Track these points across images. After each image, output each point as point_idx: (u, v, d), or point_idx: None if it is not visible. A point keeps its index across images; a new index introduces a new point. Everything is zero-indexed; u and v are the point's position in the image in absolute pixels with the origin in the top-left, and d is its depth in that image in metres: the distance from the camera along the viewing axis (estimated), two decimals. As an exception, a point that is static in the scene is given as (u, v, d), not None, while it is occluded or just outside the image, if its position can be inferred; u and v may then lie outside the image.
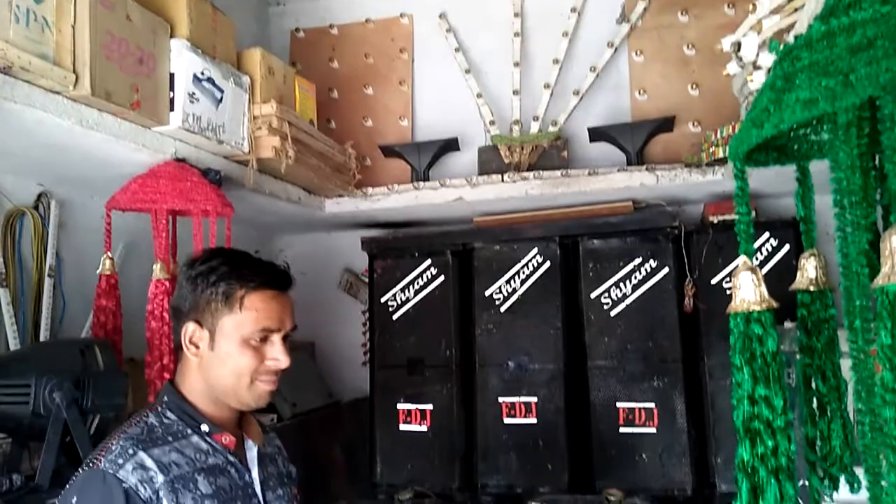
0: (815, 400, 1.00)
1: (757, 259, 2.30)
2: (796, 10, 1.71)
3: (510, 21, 3.13)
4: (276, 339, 1.35)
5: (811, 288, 1.01)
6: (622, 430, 2.63)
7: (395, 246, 3.02)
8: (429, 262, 2.93)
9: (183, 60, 2.01)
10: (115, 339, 2.02)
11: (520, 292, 2.81)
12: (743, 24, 1.98)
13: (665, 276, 2.67)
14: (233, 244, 2.16)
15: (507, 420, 2.75)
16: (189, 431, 1.31)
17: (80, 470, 1.25)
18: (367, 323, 3.09)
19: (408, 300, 2.94)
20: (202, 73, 2.07)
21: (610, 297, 2.72)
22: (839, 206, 0.81)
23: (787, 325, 1.87)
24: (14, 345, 2.02)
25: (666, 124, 2.84)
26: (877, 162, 1.01)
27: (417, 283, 2.94)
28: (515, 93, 3.07)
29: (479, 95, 3.09)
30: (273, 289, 1.36)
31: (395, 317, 2.95)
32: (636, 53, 3.01)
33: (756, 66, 1.91)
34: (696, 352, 2.66)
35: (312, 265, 3.44)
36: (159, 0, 2.01)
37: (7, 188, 2.13)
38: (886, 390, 0.68)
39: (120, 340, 2.04)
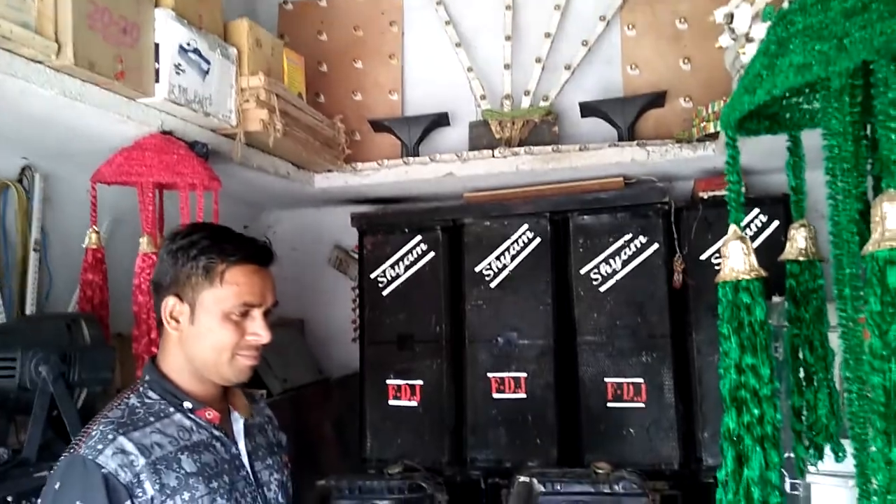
0: (801, 370, 1.01)
1: (746, 234, 2.29)
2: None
3: (501, -6, 3.09)
4: (257, 314, 1.34)
5: (800, 258, 1.01)
6: (610, 405, 2.65)
7: (384, 222, 3.01)
8: (419, 237, 2.91)
9: (168, 30, 1.97)
10: (102, 314, 2.01)
11: (510, 268, 2.81)
12: (736, -5, 1.96)
13: (655, 251, 2.67)
14: (221, 220, 2.13)
15: (496, 395, 2.76)
16: (172, 410, 1.31)
17: (63, 455, 1.25)
18: (357, 299, 3.08)
19: (398, 276, 2.93)
20: (188, 44, 2.03)
21: (599, 272, 2.72)
22: (831, 174, 0.81)
23: (776, 299, 1.88)
24: (0, 318, 2.00)
25: (657, 99, 2.82)
26: (868, 131, 1.00)
27: (407, 259, 2.93)
28: (506, 67, 3.04)
29: (469, 69, 3.06)
30: (254, 263, 1.35)
31: (384, 293, 2.94)
32: (628, 27, 2.98)
33: (749, 39, 1.90)
34: (685, 327, 2.67)
35: (302, 241, 3.43)
36: (143, -32, 1.97)
37: (-11, 161, 2.10)
38: (875, 357, 0.68)
39: (107, 315, 2.02)
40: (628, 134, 2.76)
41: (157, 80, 1.96)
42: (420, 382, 2.85)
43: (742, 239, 0.86)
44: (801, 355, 1.01)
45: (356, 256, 3.16)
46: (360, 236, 3.01)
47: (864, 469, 0.76)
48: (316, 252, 3.45)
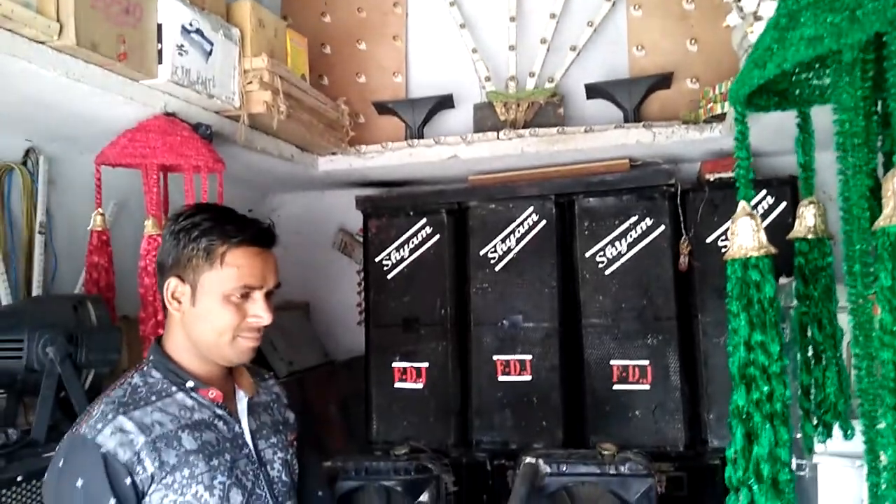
0: (810, 348, 1.00)
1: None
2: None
3: (506, -26, 3.06)
4: (258, 295, 1.34)
5: (809, 236, 1.00)
6: (616, 387, 2.65)
7: (389, 205, 3.00)
8: (424, 221, 2.91)
9: (171, 11, 1.96)
10: (109, 296, 2.01)
11: (515, 251, 2.80)
12: (744, -27, 1.93)
13: (660, 234, 2.66)
14: (225, 203, 2.11)
15: (501, 378, 2.77)
16: (174, 389, 1.31)
17: (66, 434, 1.27)
18: (362, 283, 3.08)
19: (403, 259, 2.93)
20: (190, 25, 2.02)
21: (605, 255, 2.71)
22: (841, 150, 0.80)
23: (783, 280, 1.87)
24: (6, 301, 2.00)
25: (664, 81, 2.80)
26: (879, 108, 0.99)
27: (412, 243, 2.92)
28: (511, 48, 3.02)
29: (474, 51, 3.04)
30: (255, 245, 1.34)
31: (390, 276, 2.94)
32: (634, 7, 2.95)
33: (757, 17, 1.87)
34: (691, 310, 2.67)
35: (306, 225, 3.42)
36: (145, -52, 1.95)
37: (-7, 143, 2.10)
38: (885, 332, 0.68)
39: (113, 297, 2.03)
40: (634, 116, 2.74)
41: (159, 62, 1.94)
42: (425, 365, 2.85)
43: (751, 216, 0.85)
44: (809, 333, 1.00)
45: (361, 240, 3.15)
46: (365, 220, 3.01)
47: (873, 445, 0.76)
48: (321, 235, 3.45)
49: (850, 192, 0.78)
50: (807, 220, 1.00)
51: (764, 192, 2.56)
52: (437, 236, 2.89)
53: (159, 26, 1.94)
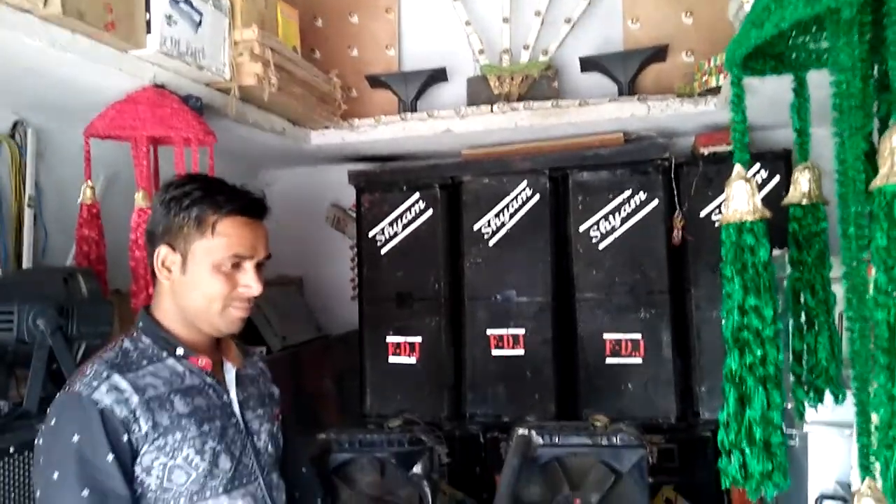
0: (802, 314, 1.00)
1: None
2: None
3: (500, -55, 3.01)
4: (249, 266, 1.33)
5: (804, 202, 0.99)
6: (608, 360, 2.67)
7: (382, 179, 2.99)
8: (417, 195, 2.90)
9: (158, -21, 1.92)
10: (100, 269, 2.00)
11: (508, 226, 2.80)
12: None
13: (654, 208, 2.66)
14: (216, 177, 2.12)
15: (494, 352, 2.78)
16: (164, 355, 1.31)
17: (58, 395, 1.26)
18: (356, 258, 3.07)
19: (396, 234, 2.92)
20: (179, -6, 1.98)
21: (599, 230, 2.71)
22: (838, 111, 0.79)
23: (776, 252, 1.87)
24: (-4, 275, 1.99)
25: (659, 54, 2.78)
26: (875, 72, 0.98)
27: (405, 218, 2.91)
28: (505, 21, 2.98)
29: (467, 23, 3.00)
30: (246, 216, 1.34)
31: (383, 251, 2.93)
32: (630, -20, 2.91)
33: (753, -13, 1.85)
34: (683, 284, 2.68)
35: (299, 200, 3.40)
36: (131, -86, 1.91)
37: (-20, 116, 2.07)
38: (880, 292, 0.68)
39: (104, 270, 2.02)
40: (629, 89, 2.73)
41: (148, 32, 1.91)
42: (419, 340, 2.86)
43: (747, 180, 0.85)
44: (802, 299, 1.00)
45: (354, 215, 3.14)
46: (358, 194, 3.00)
47: (865, 407, 0.76)
48: (314, 211, 3.43)
49: (845, 155, 0.77)
50: (801, 185, 0.99)
51: (758, 165, 2.56)
52: (431, 211, 2.88)
53: (147, -5, 1.91)
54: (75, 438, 1.18)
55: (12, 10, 1.58)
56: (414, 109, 2.91)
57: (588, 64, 2.83)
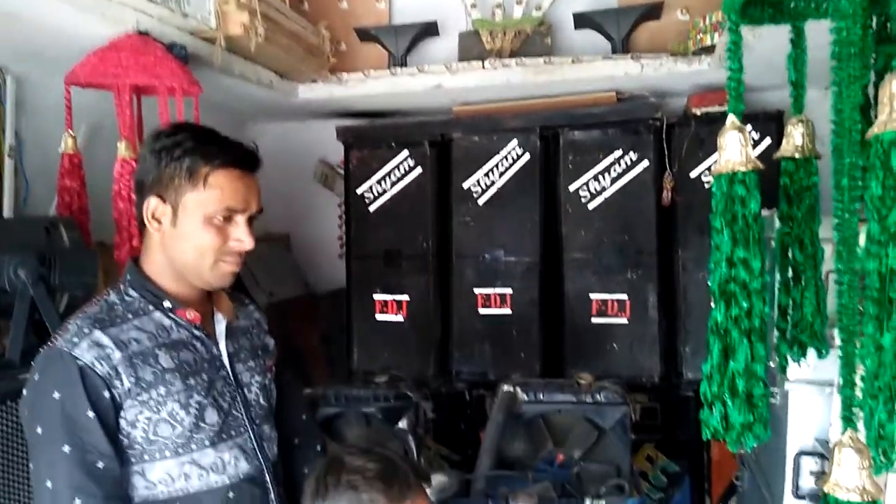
0: (790, 269, 1.00)
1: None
2: None
3: None
4: (241, 219, 1.31)
5: (796, 155, 0.98)
6: (594, 320, 2.68)
7: (371, 136, 2.95)
8: (406, 153, 2.86)
9: (140, -80, 1.86)
10: (82, 220, 1.97)
11: (498, 185, 2.78)
12: None
13: (644, 169, 2.65)
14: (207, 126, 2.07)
15: (482, 311, 2.78)
16: (151, 308, 1.30)
17: (41, 349, 1.25)
18: (343, 215, 3.05)
19: (384, 192, 2.90)
20: (162, -64, 1.92)
21: (588, 189, 2.70)
22: (837, 59, 0.77)
23: (765, 212, 1.86)
24: (-24, 225, 1.95)
25: (653, 11, 2.73)
26: (874, 23, 0.97)
27: (394, 175, 2.89)
28: (498, -26, 2.92)
29: (460, -23, 2.93)
30: (239, 168, 1.31)
31: (371, 208, 2.91)
32: (626, -66, 2.84)
33: (752, -59, 1.81)
34: (672, 245, 2.68)
35: (286, 156, 3.35)
36: None
37: (-43, 63, 2.01)
38: (872, 242, 0.67)
39: (87, 221, 1.98)
40: (622, 47, 2.69)
41: (130, -24, 1.85)
42: (406, 298, 2.86)
43: (740, 129, 0.84)
44: (790, 254, 1.00)
45: (342, 172, 3.11)
46: (346, 151, 2.96)
47: (850, 359, 0.76)
48: (301, 167, 3.39)
49: (842, 104, 0.76)
50: (794, 138, 0.98)
51: (749, 126, 2.53)
52: (420, 168, 2.85)
53: (129, -64, 1.84)
54: (56, 395, 1.18)
55: (-11, -49, 1.52)
56: (404, 64, 2.85)
57: (582, 20, 2.78)
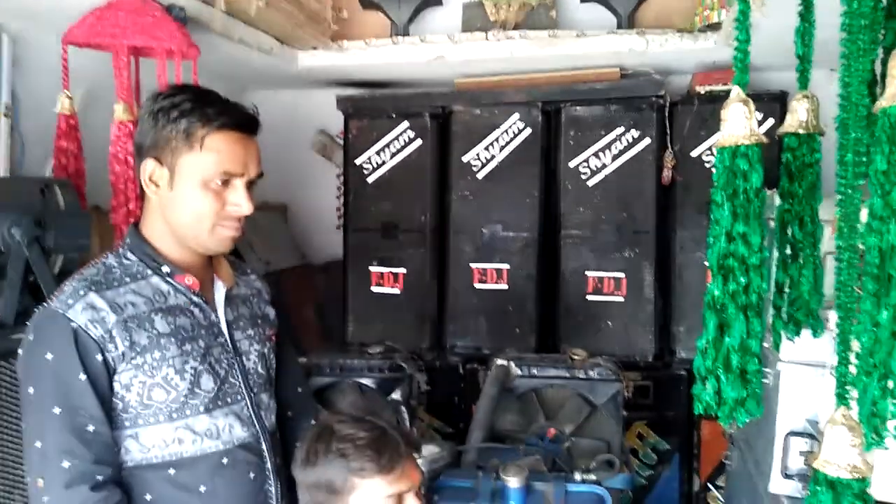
0: (789, 246, 0.99)
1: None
2: None
3: None
4: (239, 183, 1.29)
5: (800, 131, 0.97)
6: (590, 297, 2.68)
7: (371, 106, 2.92)
8: (406, 124, 2.84)
9: None
10: (78, 183, 1.95)
11: (498, 159, 2.76)
12: None
13: (646, 147, 2.63)
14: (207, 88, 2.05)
15: (478, 285, 2.78)
16: (149, 272, 1.29)
17: (37, 309, 1.25)
18: (342, 186, 3.03)
19: (383, 163, 2.88)
20: None
21: (588, 166, 2.68)
22: (847, 31, 0.76)
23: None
24: (-30, 184, 1.94)
25: (661, -14, 2.69)
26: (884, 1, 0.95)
27: (394, 146, 2.86)
28: (505, -55, 2.87)
29: (465, -54, 2.88)
30: (238, 131, 1.28)
31: (370, 180, 2.89)
32: None
33: (764, -85, 1.78)
34: (670, 224, 2.68)
35: (286, 124, 3.32)
36: None
37: (-49, 18, 1.97)
38: (874, 217, 0.66)
39: (83, 183, 1.97)
40: (628, 22, 2.65)
41: (128, -67, 1.82)
42: (403, 270, 2.86)
43: (745, 102, 0.82)
44: (789, 232, 0.99)
45: (341, 142, 3.08)
46: (346, 121, 2.93)
47: (846, 336, 0.76)
48: (300, 136, 3.36)
49: (850, 77, 0.75)
50: (799, 114, 0.97)
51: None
52: (420, 140, 2.83)
53: None
54: (49, 356, 1.17)
55: None
56: (406, 34, 2.82)
57: (588, -6, 2.74)
